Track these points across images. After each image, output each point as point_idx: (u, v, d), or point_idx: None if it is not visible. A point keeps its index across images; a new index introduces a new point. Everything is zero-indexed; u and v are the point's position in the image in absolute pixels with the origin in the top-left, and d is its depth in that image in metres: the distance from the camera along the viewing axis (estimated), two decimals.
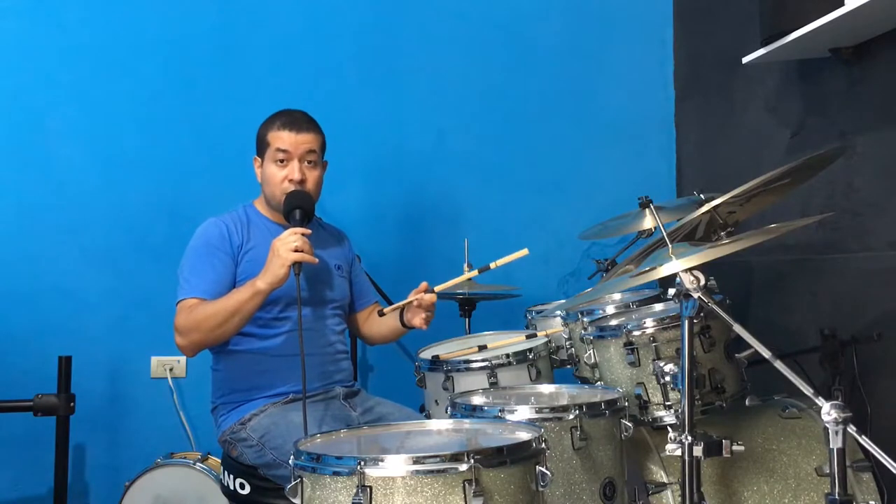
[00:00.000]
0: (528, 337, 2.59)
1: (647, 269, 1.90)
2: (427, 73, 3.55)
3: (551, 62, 3.65)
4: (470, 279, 2.62)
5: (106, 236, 3.23)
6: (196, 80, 3.34)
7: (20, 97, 3.19)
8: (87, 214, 3.22)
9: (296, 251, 2.26)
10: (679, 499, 1.98)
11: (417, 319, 2.49)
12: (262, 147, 2.52)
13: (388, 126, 3.50)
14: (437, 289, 2.48)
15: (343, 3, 3.48)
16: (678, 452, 1.83)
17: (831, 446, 1.52)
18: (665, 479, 2.18)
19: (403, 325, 2.56)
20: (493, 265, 2.49)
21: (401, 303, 2.52)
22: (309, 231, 2.34)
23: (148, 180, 3.27)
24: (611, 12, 3.71)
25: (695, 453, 1.82)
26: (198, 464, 2.84)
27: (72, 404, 2.68)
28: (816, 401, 1.56)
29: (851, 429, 1.51)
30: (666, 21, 3.75)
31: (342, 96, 3.45)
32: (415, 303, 2.46)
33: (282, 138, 2.46)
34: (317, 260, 2.34)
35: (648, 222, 2.76)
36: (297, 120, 2.50)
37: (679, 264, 1.81)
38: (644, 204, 2.54)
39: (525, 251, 2.46)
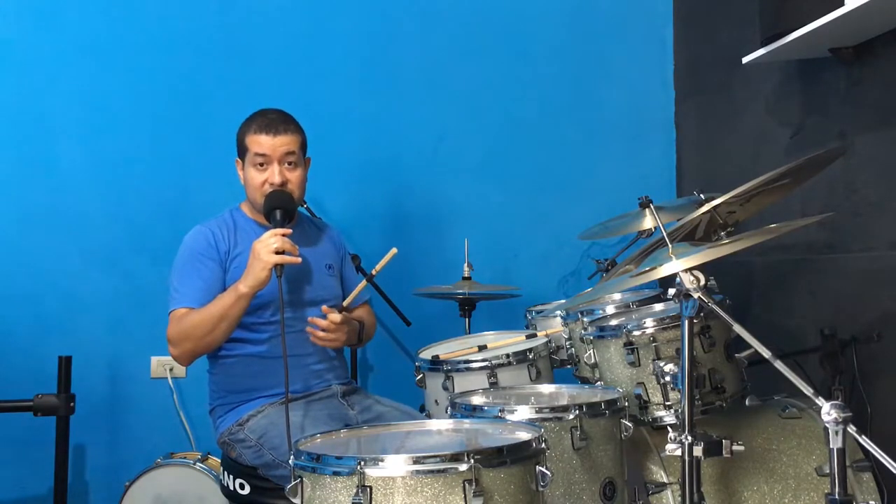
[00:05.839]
0: (528, 337, 2.59)
1: (647, 269, 1.90)
2: (426, 73, 3.54)
3: (551, 62, 3.65)
4: (372, 281, 2.55)
5: (106, 237, 3.23)
6: (196, 80, 3.33)
7: (20, 97, 3.19)
8: (87, 215, 3.22)
9: (277, 252, 2.26)
10: (679, 499, 1.98)
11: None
12: (241, 150, 2.49)
13: (387, 126, 3.50)
14: (344, 303, 2.48)
15: (343, 4, 3.48)
16: (678, 452, 1.83)
17: (831, 446, 1.52)
18: (665, 479, 2.18)
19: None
20: (373, 272, 2.48)
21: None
22: (289, 231, 2.33)
23: (148, 181, 3.27)
24: (611, 12, 3.70)
25: (695, 453, 1.82)
26: (198, 464, 2.84)
27: (72, 404, 2.67)
28: (816, 401, 1.56)
29: (851, 429, 1.51)
30: (666, 21, 3.74)
31: (341, 96, 3.45)
32: (308, 330, 2.41)
33: (259, 142, 2.42)
34: (300, 260, 2.34)
35: (648, 222, 2.76)
36: (272, 122, 2.44)
37: (679, 264, 1.81)
38: (644, 204, 2.54)
39: (394, 250, 2.46)
